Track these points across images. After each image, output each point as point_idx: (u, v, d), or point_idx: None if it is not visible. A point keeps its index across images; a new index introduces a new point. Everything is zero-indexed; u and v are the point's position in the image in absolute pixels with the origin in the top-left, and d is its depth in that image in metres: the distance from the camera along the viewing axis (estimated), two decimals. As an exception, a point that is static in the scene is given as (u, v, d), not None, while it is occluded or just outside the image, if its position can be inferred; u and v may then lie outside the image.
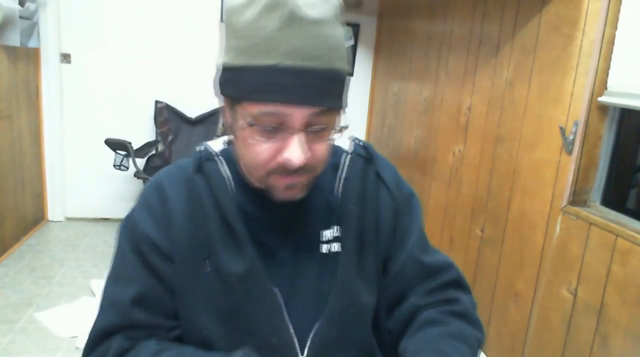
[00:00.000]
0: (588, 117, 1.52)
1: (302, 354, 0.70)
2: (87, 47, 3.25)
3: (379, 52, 3.61)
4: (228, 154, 0.76)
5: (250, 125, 0.62)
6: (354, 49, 3.61)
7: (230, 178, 0.73)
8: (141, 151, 3.09)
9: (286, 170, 0.63)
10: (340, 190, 0.76)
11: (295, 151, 0.61)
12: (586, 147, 1.54)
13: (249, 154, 0.65)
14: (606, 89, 1.48)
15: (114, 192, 3.47)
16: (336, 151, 0.79)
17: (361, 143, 0.82)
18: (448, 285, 0.78)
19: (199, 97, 3.41)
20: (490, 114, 2.07)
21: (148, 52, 3.32)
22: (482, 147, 2.12)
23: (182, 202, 0.72)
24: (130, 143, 2.87)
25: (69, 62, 3.24)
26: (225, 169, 0.74)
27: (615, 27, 1.44)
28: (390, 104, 3.34)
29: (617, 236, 1.38)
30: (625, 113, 1.51)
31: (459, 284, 0.80)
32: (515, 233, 1.85)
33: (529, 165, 1.79)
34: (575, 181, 1.57)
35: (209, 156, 0.75)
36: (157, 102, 3.30)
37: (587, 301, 1.47)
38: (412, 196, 0.84)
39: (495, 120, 2.02)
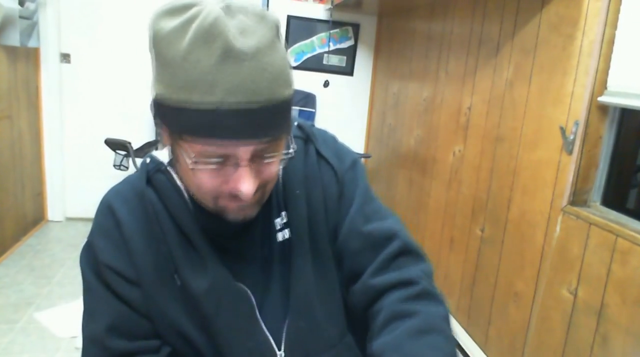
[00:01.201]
0: (588, 117, 1.52)
1: (280, 351, 0.71)
2: (87, 47, 3.25)
3: (379, 52, 3.61)
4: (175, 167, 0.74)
5: (195, 162, 0.59)
6: (354, 49, 3.61)
7: (182, 188, 0.70)
8: (141, 151, 3.08)
9: (235, 197, 0.62)
10: (281, 176, 0.75)
11: (244, 184, 0.60)
12: (586, 147, 1.54)
13: (194, 184, 0.64)
14: (606, 89, 1.48)
15: (114, 192, 3.47)
16: None
17: (296, 123, 0.79)
18: (397, 256, 0.74)
19: (199, 97, 3.41)
20: (490, 114, 2.06)
21: (148, 52, 3.32)
22: (482, 147, 2.12)
23: (137, 221, 0.69)
24: (130, 143, 2.87)
25: (68, 62, 3.24)
26: (176, 180, 0.71)
27: (615, 27, 1.44)
28: (390, 104, 3.34)
29: (617, 236, 1.38)
30: (625, 113, 1.51)
31: (408, 251, 0.75)
32: (515, 233, 1.85)
33: (529, 165, 1.79)
34: (575, 181, 1.57)
35: (158, 167, 0.71)
36: (157, 102, 3.30)
37: (587, 301, 1.47)
38: (355, 163, 0.81)
39: (495, 120, 2.02)
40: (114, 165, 2.95)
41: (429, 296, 0.71)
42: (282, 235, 0.74)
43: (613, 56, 1.45)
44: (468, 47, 2.28)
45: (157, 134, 3.31)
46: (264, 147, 0.60)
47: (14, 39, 2.70)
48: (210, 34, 0.54)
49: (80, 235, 3.21)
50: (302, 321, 0.72)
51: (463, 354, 2.11)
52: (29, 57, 3.00)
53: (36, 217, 3.24)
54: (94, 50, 3.26)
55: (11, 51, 2.74)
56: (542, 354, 1.68)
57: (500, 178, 1.98)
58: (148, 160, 0.74)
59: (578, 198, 1.58)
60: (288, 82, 0.60)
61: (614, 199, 1.60)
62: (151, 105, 0.63)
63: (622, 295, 1.35)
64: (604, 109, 1.51)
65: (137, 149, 3.01)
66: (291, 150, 0.65)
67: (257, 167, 0.61)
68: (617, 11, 1.43)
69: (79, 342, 2.04)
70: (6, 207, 2.75)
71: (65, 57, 3.23)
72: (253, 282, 0.71)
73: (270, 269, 0.73)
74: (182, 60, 0.55)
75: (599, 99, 1.48)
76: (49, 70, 3.16)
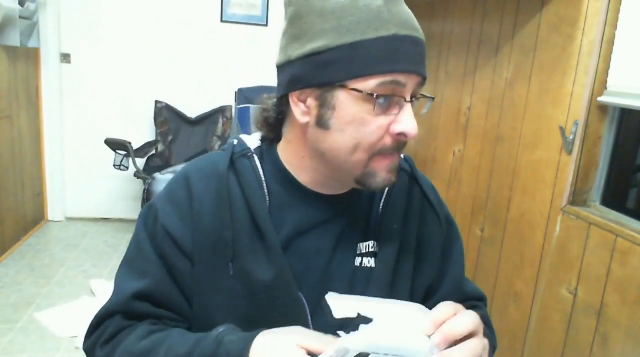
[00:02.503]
0: (588, 117, 1.52)
1: None
2: (87, 47, 3.25)
3: (379, 52, 3.60)
4: (264, 152, 0.74)
5: (369, 98, 0.60)
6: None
7: (263, 178, 0.70)
8: (141, 151, 3.09)
9: (395, 147, 0.63)
10: (382, 205, 0.74)
11: (412, 121, 0.62)
12: (586, 147, 1.54)
13: (351, 139, 0.62)
14: (606, 89, 1.48)
15: (114, 192, 3.47)
16: None
17: (404, 156, 0.78)
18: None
19: (199, 97, 3.41)
20: (490, 114, 2.06)
21: (148, 52, 3.32)
22: (482, 147, 2.12)
23: (211, 200, 0.68)
24: (130, 143, 2.87)
25: (69, 62, 3.24)
26: (258, 166, 0.71)
27: (615, 27, 1.44)
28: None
29: (617, 236, 1.38)
30: (625, 113, 1.51)
31: (485, 317, 0.77)
32: (515, 233, 1.85)
33: (529, 165, 1.79)
34: (575, 181, 1.57)
35: (244, 152, 0.72)
36: (157, 102, 3.30)
37: (587, 301, 1.47)
38: (451, 217, 0.83)
39: (495, 120, 2.02)
40: (114, 166, 2.95)
41: (489, 325, 0.75)
42: (362, 261, 0.72)
43: (613, 56, 1.45)
44: (468, 47, 2.28)
45: (157, 134, 3.31)
46: (417, 89, 0.64)
47: (14, 39, 2.70)
48: None
49: (80, 235, 3.21)
50: None
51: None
52: (29, 57, 3.00)
53: (36, 217, 3.24)
54: (94, 50, 3.26)
55: (11, 51, 2.74)
56: (542, 354, 1.68)
57: (500, 178, 1.98)
58: (235, 141, 0.73)
59: (578, 198, 1.58)
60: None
61: (614, 199, 1.60)
62: (285, 75, 0.65)
63: (622, 295, 1.35)
64: (603, 109, 1.51)
65: (137, 149, 3.01)
66: (432, 96, 0.68)
67: (413, 112, 0.63)
68: (617, 11, 1.43)
69: (79, 342, 2.05)
70: (6, 207, 2.76)
71: (66, 57, 3.23)
72: (308, 287, 0.69)
73: (333, 284, 0.70)
74: (349, 5, 0.60)
75: (599, 99, 1.48)
76: (49, 70, 3.16)
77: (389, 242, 0.72)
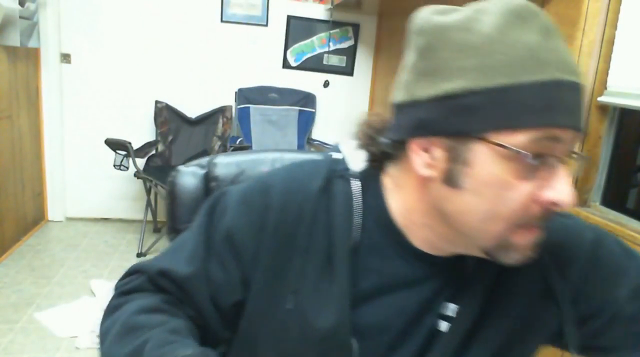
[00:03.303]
0: (588, 117, 1.52)
1: None
2: (87, 47, 3.25)
3: (379, 52, 3.61)
4: (368, 178, 0.62)
5: (515, 156, 0.48)
6: (354, 49, 3.61)
7: (360, 210, 0.60)
8: (141, 151, 3.09)
9: (543, 218, 0.51)
10: (484, 265, 0.60)
11: (567, 187, 0.50)
12: (586, 147, 1.54)
13: (491, 204, 0.51)
14: (606, 89, 1.48)
15: (114, 192, 3.47)
16: None
17: None
18: None
19: (199, 97, 3.41)
20: (490, 114, 2.06)
21: (148, 52, 3.32)
22: (482, 147, 2.12)
23: (289, 218, 0.60)
24: (130, 143, 2.87)
25: (69, 62, 3.24)
26: (358, 197, 0.60)
27: (615, 27, 1.44)
28: (390, 104, 3.34)
29: (617, 236, 1.38)
30: (625, 113, 1.51)
31: None
32: (515, 233, 1.85)
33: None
34: (575, 181, 1.57)
35: (343, 173, 0.62)
36: (157, 102, 3.30)
37: (587, 301, 1.47)
38: (597, 255, 0.63)
39: (495, 120, 2.02)
40: (114, 166, 2.95)
41: None
42: (441, 324, 0.61)
43: (613, 56, 1.45)
44: (468, 47, 2.27)
45: (157, 134, 3.31)
46: (572, 145, 0.51)
47: (14, 39, 2.70)
48: (527, 11, 0.49)
49: (80, 235, 3.21)
50: None
51: None
52: (29, 57, 3.00)
53: (36, 217, 3.24)
54: (94, 50, 3.26)
55: (11, 51, 2.74)
56: (542, 354, 1.68)
57: (500, 178, 1.98)
58: (336, 155, 0.64)
59: (578, 198, 1.58)
60: None
61: (614, 199, 1.60)
62: (410, 117, 0.54)
63: (622, 295, 1.35)
64: (603, 109, 1.51)
65: (137, 149, 3.01)
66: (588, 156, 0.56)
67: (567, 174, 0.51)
68: (617, 11, 1.43)
69: (79, 342, 2.05)
70: (6, 207, 2.76)
71: (66, 57, 3.23)
72: (379, 346, 0.60)
73: (403, 348, 0.61)
74: (498, 40, 0.49)
75: (599, 99, 1.48)
76: (49, 70, 3.16)
77: (469, 305, 0.60)
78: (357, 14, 3.53)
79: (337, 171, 0.62)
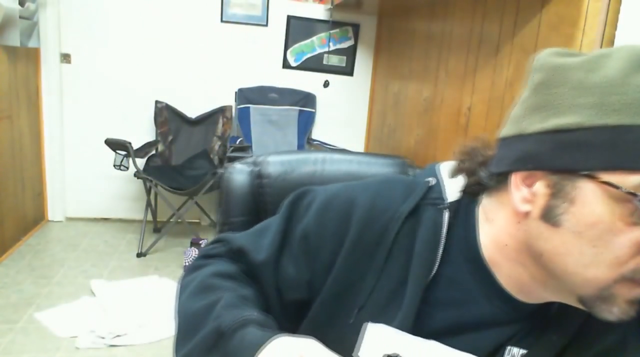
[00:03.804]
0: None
1: None
2: (87, 47, 3.25)
3: (379, 52, 3.61)
4: (460, 209, 0.61)
5: (627, 199, 0.46)
6: (354, 49, 3.61)
7: (444, 240, 0.58)
8: (141, 151, 3.09)
9: None
10: (560, 310, 0.57)
11: None
12: (586, 147, 1.54)
13: (595, 248, 0.48)
14: (606, 89, 1.48)
15: (114, 192, 3.47)
16: None
17: None
18: None
19: (199, 97, 3.41)
20: (490, 114, 2.06)
21: (148, 52, 3.32)
22: (482, 147, 2.12)
23: (370, 237, 0.59)
24: (130, 143, 2.87)
25: (69, 62, 3.24)
26: (445, 227, 0.59)
27: (615, 27, 1.44)
28: (390, 104, 3.35)
29: None
30: (625, 113, 1.51)
31: None
32: (515, 233, 1.85)
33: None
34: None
35: (435, 201, 0.60)
36: (157, 102, 3.30)
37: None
38: None
39: (496, 120, 2.02)
40: (114, 166, 2.95)
41: None
42: None
43: (613, 56, 1.45)
44: (468, 47, 2.28)
45: (157, 134, 3.31)
46: None
47: (14, 39, 2.70)
48: None
49: (80, 235, 3.21)
50: None
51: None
52: (29, 57, 3.00)
53: (36, 217, 3.24)
54: (94, 50, 3.26)
55: (11, 51, 2.74)
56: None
57: (500, 178, 1.98)
58: (433, 182, 0.62)
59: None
60: None
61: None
62: (522, 149, 0.53)
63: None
64: (603, 109, 1.51)
65: (137, 149, 3.01)
66: None
67: None
68: (617, 11, 1.43)
69: (79, 342, 2.05)
70: (6, 207, 2.76)
71: (65, 57, 3.23)
72: None
73: None
74: (619, 82, 0.48)
75: (599, 99, 1.49)
76: (49, 70, 3.16)
77: (539, 353, 0.57)
78: (357, 14, 3.53)
79: (429, 198, 0.61)
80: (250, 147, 3.20)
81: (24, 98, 2.96)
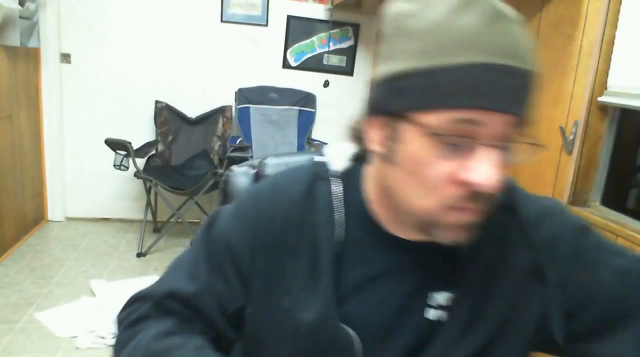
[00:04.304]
0: (588, 117, 1.52)
1: None
2: (87, 47, 3.25)
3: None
4: (351, 176, 0.66)
5: (425, 135, 0.51)
6: (354, 49, 3.61)
7: (341, 206, 0.63)
8: (141, 151, 3.08)
9: (467, 198, 0.52)
10: (473, 251, 0.61)
11: (484, 168, 0.50)
12: (586, 147, 1.54)
13: (415, 180, 0.54)
14: (606, 89, 1.48)
15: (114, 192, 3.47)
16: None
17: (507, 182, 0.64)
18: None
19: (199, 97, 3.41)
20: (490, 114, 2.07)
21: (148, 52, 3.32)
22: (482, 147, 2.12)
23: (278, 224, 0.63)
24: (130, 143, 2.87)
25: (69, 62, 3.24)
26: (339, 194, 0.64)
27: (615, 27, 1.44)
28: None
29: (617, 236, 1.38)
30: (625, 113, 1.51)
31: None
32: (515, 233, 1.85)
33: (529, 165, 1.79)
34: (575, 181, 1.57)
35: (325, 174, 0.65)
36: (157, 102, 3.30)
37: (587, 301, 1.47)
38: (582, 240, 0.64)
39: (495, 120, 2.02)
40: (114, 166, 2.95)
41: None
42: (435, 314, 0.62)
43: (613, 56, 1.45)
44: (468, 47, 2.27)
45: (157, 134, 3.31)
46: (508, 130, 0.52)
47: (14, 39, 2.70)
48: (474, 0, 0.50)
49: (80, 235, 3.21)
50: None
51: None
52: (29, 57, 3.00)
53: (36, 217, 3.24)
54: (94, 50, 3.26)
55: (11, 51, 2.74)
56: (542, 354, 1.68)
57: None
58: (319, 158, 0.68)
59: (578, 198, 1.58)
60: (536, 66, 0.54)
61: (614, 199, 1.60)
62: (367, 98, 0.58)
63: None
64: (603, 109, 1.51)
65: (137, 149, 3.01)
66: (539, 142, 0.54)
67: (498, 159, 0.51)
68: (617, 11, 1.43)
69: (79, 342, 2.05)
70: (6, 207, 2.76)
71: (65, 57, 3.23)
72: (371, 339, 0.61)
73: (396, 336, 0.62)
74: (436, 26, 0.50)
75: (599, 99, 1.48)
76: (49, 70, 3.16)
77: (467, 295, 0.61)
78: (357, 14, 3.53)
79: (319, 174, 0.66)
80: (250, 147, 3.20)
81: (24, 98, 2.96)
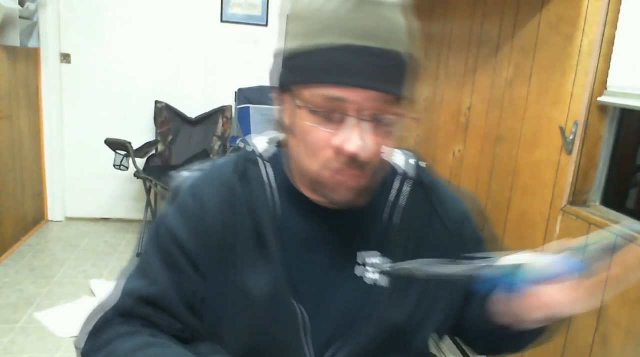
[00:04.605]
0: (588, 117, 1.52)
1: None
2: (87, 47, 3.25)
3: (379, 52, 3.60)
4: (276, 158, 0.72)
5: (302, 107, 0.59)
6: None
7: (273, 184, 0.70)
8: (141, 151, 3.08)
9: (343, 163, 0.59)
10: (393, 218, 0.70)
11: (353, 138, 0.57)
12: (586, 147, 1.54)
13: (303, 146, 0.62)
14: (606, 89, 1.48)
15: (114, 192, 3.47)
16: (386, 166, 0.71)
17: (413, 162, 0.76)
18: None
19: (199, 97, 3.41)
20: (490, 114, 2.06)
21: (148, 52, 3.32)
22: (482, 147, 2.12)
23: (218, 209, 0.69)
24: (130, 143, 2.87)
25: (69, 62, 3.24)
26: (269, 174, 0.70)
27: (615, 27, 1.44)
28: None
29: (617, 236, 1.38)
30: (625, 113, 1.51)
31: None
32: (515, 233, 1.85)
33: (529, 166, 1.79)
34: (575, 181, 1.57)
35: (253, 158, 0.72)
36: (157, 102, 3.30)
37: (587, 301, 1.47)
38: (468, 218, 0.77)
39: (495, 120, 2.02)
40: (114, 166, 2.95)
41: None
42: (364, 271, 0.69)
43: (613, 56, 1.45)
44: (468, 47, 2.28)
45: (157, 134, 3.31)
46: (376, 105, 0.58)
47: (14, 39, 2.70)
48: None
49: (80, 235, 3.21)
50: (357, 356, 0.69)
51: (463, 354, 2.11)
52: (29, 57, 3.00)
53: (36, 217, 3.24)
54: (94, 50, 3.26)
55: (11, 51, 2.74)
56: (542, 354, 1.68)
57: (500, 178, 1.98)
58: (245, 145, 0.74)
59: (578, 198, 1.58)
60: (409, 45, 0.60)
61: (614, 199, 1.60)
62: (272, 73, 0.65)
63: (622, 295, 1.35)
64: (603, 109, 1.51)
65: (137, 149, 3.01)
66: (413, 116, 0.62)
67: (369, 131, 0.59)
68: (617, 11, 1.43)
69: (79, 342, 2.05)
70: (6, 207, 2.76)
71: (65, 57, 3.23)
72: (306, 297, 0.68)
73: (332, 293, 0.69)
74: (317, 9, 0.58)
75: (599, 99, 1.48)
76: (49, 71, 3.16)
77: (397, 256, 0.69)
78: (357, 14, 3.53)
79: (250, 160, 0.72)
80: (250, 147, 3.19)
81: (24, 98, 2.96)
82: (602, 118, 1.52)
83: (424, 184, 0.74)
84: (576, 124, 1.55)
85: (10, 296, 2.39)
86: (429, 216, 0.73)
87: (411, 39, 0.60)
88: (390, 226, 0.70)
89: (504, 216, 1.93)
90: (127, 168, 2.96)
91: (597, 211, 1.53)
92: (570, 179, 1.58)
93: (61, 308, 2.30)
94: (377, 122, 0.59)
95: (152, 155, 3.25)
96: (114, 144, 2.89)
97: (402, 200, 0.71)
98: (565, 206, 1.60)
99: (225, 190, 0.69)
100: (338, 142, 0.59)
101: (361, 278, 0.69)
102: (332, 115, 0.58)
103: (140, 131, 3.36)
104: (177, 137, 3.37)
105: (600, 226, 1.44)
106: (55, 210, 3.39)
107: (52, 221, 3.40)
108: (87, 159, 3.38)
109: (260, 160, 0.71)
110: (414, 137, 2.88)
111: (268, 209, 0.68)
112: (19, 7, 2.72)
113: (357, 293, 0.69)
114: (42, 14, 3.05)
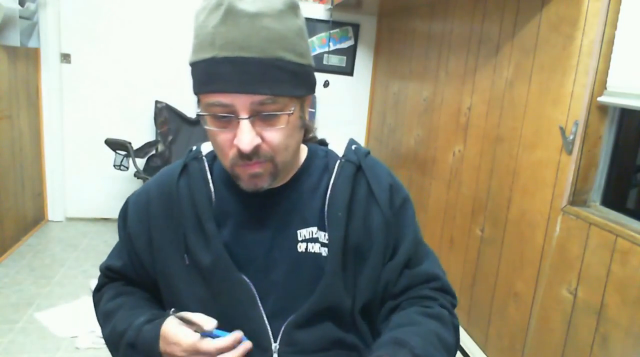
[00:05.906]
0: (588, 117, 1.52)
1: (275, 342, 0.76)
2: (87, 47, 3.25)
3: (379, 52, 3.61)
4: (214, 154, 0.82)
5: (202, 114, 0.68)
6: (354, 49, 3.61)
7: (209, 176, 0.80)
8: (141, 151, 3.09)
9: (241, 156, 0.68)
10: (327, 194, 0.79)
11: (242, 137, 0.66)
12: (586, 147, 1.54)
13: (214, 146, 0.72)
14: (606, 89, 1.48)
15: (114, 192, 3.47)
16: (330, 154, 0.84)
17: (354, 147, 0.85)
18: (434, 290, 0.84)
19: (199, 97, 3.41)
20: (490, 114, 2.06)
21: (148, 52, 3.32)
22: (482, 147, 2.12)
23: (164, 202, 0.81)
24: (130, 143, 2.87)
25: (69, 62, 3.24)
26: (205, 167, 0.81)
27: (615, 27, 1.44)
28: (390, 104, 3.34)
29: (617, 236, 1.38)
30: (625, 113, 1.51)
31: (443, 289, 0.84)
32: (515, 233, 1.85)
33: (529, 166, 1.79)
34: (575, 181, 1.57)
35: (195, 155, 0.82)
36: (157, 102, 3.30)
37: (587, 301, 1.47)
38: (405, 203, 0.85)
39: (495, 120, 2.02)
40: (114, 166, 2.95)
41: (446, 316, 0.80)
42: (306, 246, 0.78)
43: (613, 56, 1.45)
44: (468, 47, 2.28)
45: (157, 134, 3.31)
46: (264, 105, 0.66)
47: (14, 39, 2.70)
48: (220, 2, 0.64)
49: (80, 235, 3.21)
50: (307, 326, 0.77)
51: (463, 354, 2.11)
52: (29, 57, 3.00)
53: (36, 217, 3.24)
54: (94, 50, 3.26)
55: (11, 51, 2.74)
56: (542, 354, 1.68)
57: (500, 178, 1.98)
58: (194, 148, 0.84)
59: (578, 198, 1.58)
60: (292, 48, 0.67)
61: (614, 199, 1.60)
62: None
63: (622, 295, 1.35)
64: (603, 109, 1.51)
65: (137, 149, 3.01)
66: (290, 111, 0.68)
67: (260, 127, 0.68)
68: (617, 11, 1.43)
69: (79, 342, 2.05)
70: (6, 207, 2.76)
71: (65, 57, 3.23)
72: (253, 274, 0.77)
73: (277, 269, 0.78)
74: (199, 27, 0.67)
75: (599, 99, 1.48)
76: (49, 70, 3.16)
77: (336, 231, 0.77)
78: (357, 14, 3.53)
79: (193, 156, 0.82)
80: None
81: (24, 98, 2.96)
82: (602, 118, 1.52)
83: (358, 164, 0.82)
84: (576, 124, 1.55)
85: (10, 296, 2.39)
86: (366, 197, 0.81)
87: (281, 42, 0.66)
88: (330, 204, 0.78)
89: (504, 216, 1.93)
90: (127, 168, 2.96)
91: (597, 211, 1.53)
92: (570, 179, 1.58)
93: (61, 308, 2.30)
94: (264, 119, 0.67)
95: (152, 155, 3.25)
96: (114, 144, 2.89)
97: (342, 181, 0.79)
98: (565, 205, 1.60)
99: (168, 185, 0.81)
100: (236, 142, 0.67)
101: (302, 252, 0.78)
102: (227, 119, 0.67)
103: (140, 131, 3.36)
104: (177, 137, 3.37)
105: (600, 226, 1.44)
106: (55, 210, 3.39)
107: (52, 221, 3.40)
108: (87, 159, 3.38)
109: (201, 157, 0.82)
110: (414, 136, 2.88)
111: (206, 199, 0.78)
112: (19, 7, 2.72)
113: (299, 265, 0.77)
114: (42, 14, 3.05)
